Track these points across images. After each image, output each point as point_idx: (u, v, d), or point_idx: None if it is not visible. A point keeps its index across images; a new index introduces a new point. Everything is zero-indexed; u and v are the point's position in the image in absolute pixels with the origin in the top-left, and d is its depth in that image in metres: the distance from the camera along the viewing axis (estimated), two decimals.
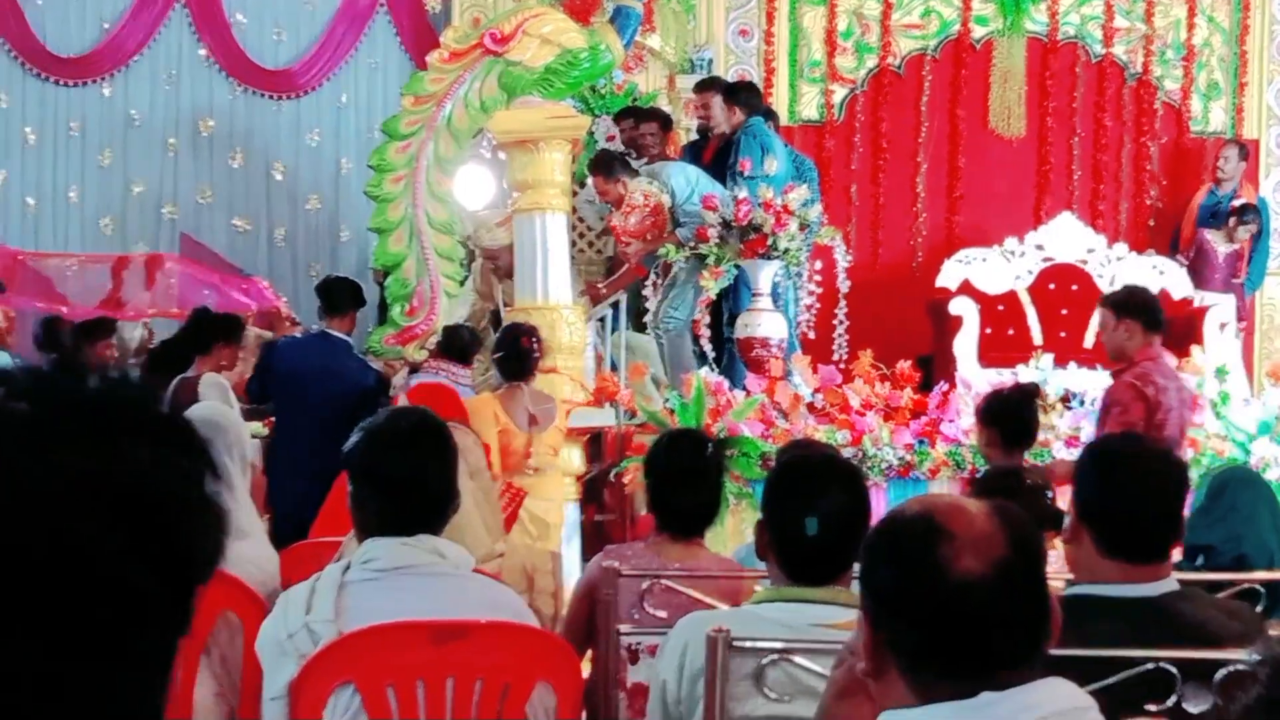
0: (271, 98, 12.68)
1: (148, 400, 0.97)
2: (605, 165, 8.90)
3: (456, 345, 7.87)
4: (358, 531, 3.06)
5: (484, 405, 6.64)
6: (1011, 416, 5.51)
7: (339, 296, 8.00)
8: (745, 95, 9.32)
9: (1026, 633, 1.76)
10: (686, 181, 8.73)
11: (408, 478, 2.96)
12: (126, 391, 0.97)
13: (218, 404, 5.65)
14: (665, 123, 9.91)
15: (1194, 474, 4.04)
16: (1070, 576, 2.91)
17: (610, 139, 10.21)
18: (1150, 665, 2.50)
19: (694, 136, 10.22)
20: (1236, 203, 10.89)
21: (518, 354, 6.78)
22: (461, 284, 9.61)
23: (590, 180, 9.28)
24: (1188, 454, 7.34)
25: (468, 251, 9.79)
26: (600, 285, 9.47)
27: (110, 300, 10.44)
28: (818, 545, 2.77)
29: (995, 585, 1.72)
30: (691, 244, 8.47)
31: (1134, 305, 6.06)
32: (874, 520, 2.96)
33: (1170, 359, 6.34)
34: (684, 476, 4.01)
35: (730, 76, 10.73)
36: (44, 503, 0.88)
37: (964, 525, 1.75)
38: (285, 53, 12.68)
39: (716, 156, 9.27)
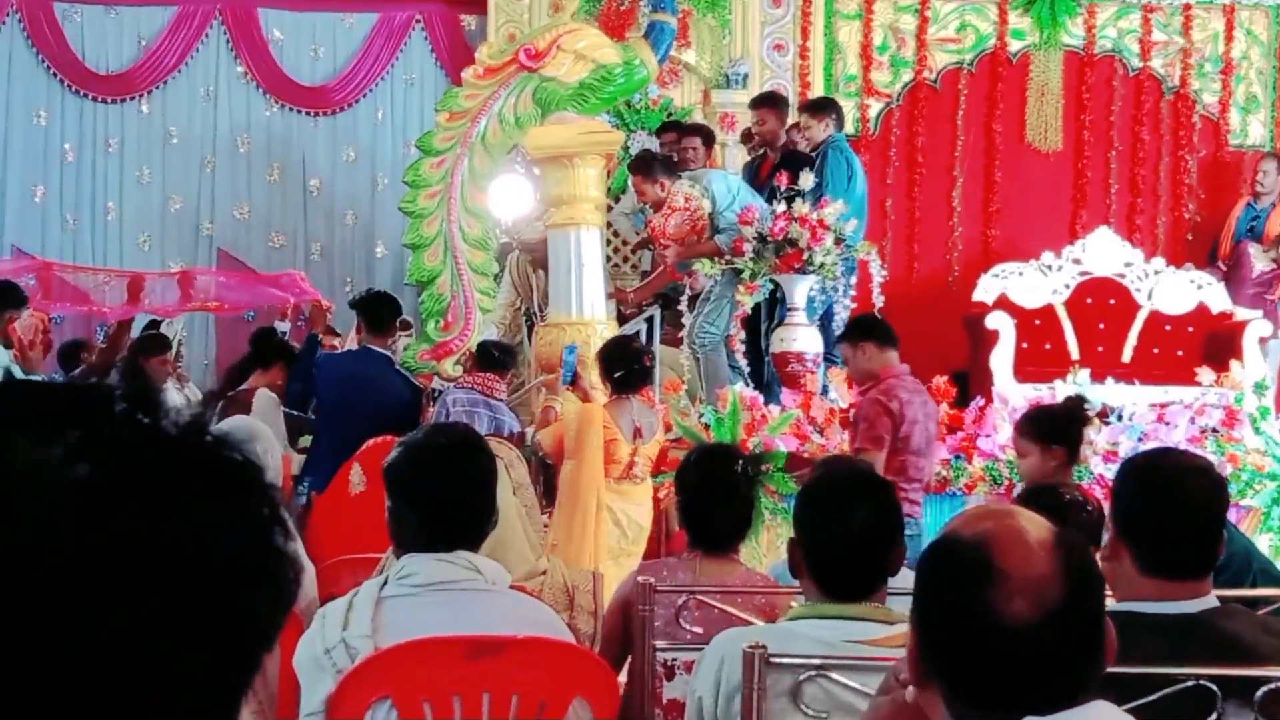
0: (308, 114, 12.74)
1: (221, 453, 0.90)
2: (645, 165, 8.90)
3: (491, 358, 7.91)
4: (396, 547, 3.07)
5: (594, 412, 6.71)
6: (1059, 433, 5.41)
7: (379, 312, 8.09)
8: (833, 110, 9.33)
9: (1075, 675, 1.70)
10: (728, 189, 8.72)
11: (446, 494, 2.95)
12: (200, 444, 0.89)
13: (253, 419, 5.75)
14: (708, 138, 9.91)
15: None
16: (1109, 593, 2.88)
17: None
18: (1191, 682, 2.48)
19: (732, 149, 10.21)
20: None
21: (642, 370, 6.87)
22: (496, 281, 9.58)
23: (630, 181, 9.26)
24: (1227, 468, 7.28)
25: (500, 248, 9.79)
26: (629, 291, 9.47)
27: (141, 300, 10.52)
28: (846, 555, 2.77)
29: (1046, 630, 1.66)
30: (728, 255, 8.44)
31: (862, 329, 6.49)
32: (901, 534, 2.96)
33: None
34: (714, 493, 4.01)
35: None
36: (67, 580, 0.81)
37: (1020, 563, 1.68)
38: (322, 69, 12.74)
39: (773, 174, 9.22)
